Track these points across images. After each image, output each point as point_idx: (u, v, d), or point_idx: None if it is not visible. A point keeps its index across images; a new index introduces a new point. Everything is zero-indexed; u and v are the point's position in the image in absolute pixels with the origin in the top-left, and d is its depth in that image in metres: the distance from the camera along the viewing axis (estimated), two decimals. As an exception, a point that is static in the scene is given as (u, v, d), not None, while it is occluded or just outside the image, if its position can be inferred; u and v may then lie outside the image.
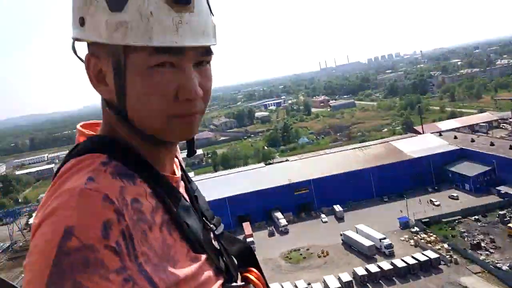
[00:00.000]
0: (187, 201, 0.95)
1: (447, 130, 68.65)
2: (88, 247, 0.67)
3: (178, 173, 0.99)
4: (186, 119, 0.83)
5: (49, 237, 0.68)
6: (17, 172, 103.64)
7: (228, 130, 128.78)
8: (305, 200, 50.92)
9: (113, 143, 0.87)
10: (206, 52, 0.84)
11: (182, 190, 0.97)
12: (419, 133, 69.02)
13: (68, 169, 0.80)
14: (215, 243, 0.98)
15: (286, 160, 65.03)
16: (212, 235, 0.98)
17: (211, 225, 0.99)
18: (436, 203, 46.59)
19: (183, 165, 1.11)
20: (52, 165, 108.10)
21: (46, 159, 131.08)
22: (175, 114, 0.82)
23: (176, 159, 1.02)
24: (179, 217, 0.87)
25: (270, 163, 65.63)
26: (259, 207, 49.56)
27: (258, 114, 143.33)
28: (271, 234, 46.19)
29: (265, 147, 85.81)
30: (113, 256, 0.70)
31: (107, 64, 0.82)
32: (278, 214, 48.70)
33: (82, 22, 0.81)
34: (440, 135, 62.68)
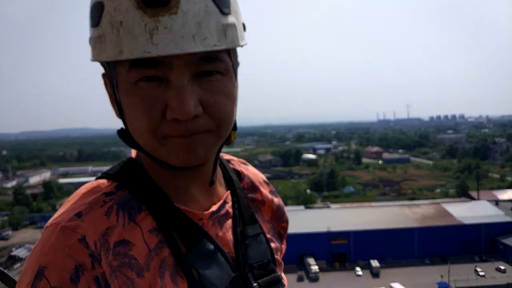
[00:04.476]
0: (213, 244, 0.77)
1: (505, 201, 63.92)
2: None
3: (223, 209, 0.85)
4: (183, 140, 0.69)
5: (26, 275, 0.67)
6: (60, 180, 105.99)
7: (272, 168, 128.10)
8: (341, 251, 48.99)
9: (131, 168, 0.81)
10: (207, 59, 0.68)
11: (214, 229, 0.81)
12: (474, 199, 64.84)
13: (78, 193, 0.77)
14: None
15: (327, 207, 63.25)
16: None
17: (254, 284, 0.80)
18: (481, 273, 43.12)
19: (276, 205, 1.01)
20: (93, 178, 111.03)
21: (89, 171, 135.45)
22: (165, 135, 0.70)
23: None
24: (186, 261, 0.73)
25: (310, 207, 64.12)
26: (292, 250, 47.99)
27: (305, 156, 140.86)
28: (300, 279, 44.53)
29: (308, 191, 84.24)
30: None
31: (109, 83, 0.77)
32: (311, 260, 47.04)
33: (89, 42, 0.74)
34: (497, 204, 58.41)
